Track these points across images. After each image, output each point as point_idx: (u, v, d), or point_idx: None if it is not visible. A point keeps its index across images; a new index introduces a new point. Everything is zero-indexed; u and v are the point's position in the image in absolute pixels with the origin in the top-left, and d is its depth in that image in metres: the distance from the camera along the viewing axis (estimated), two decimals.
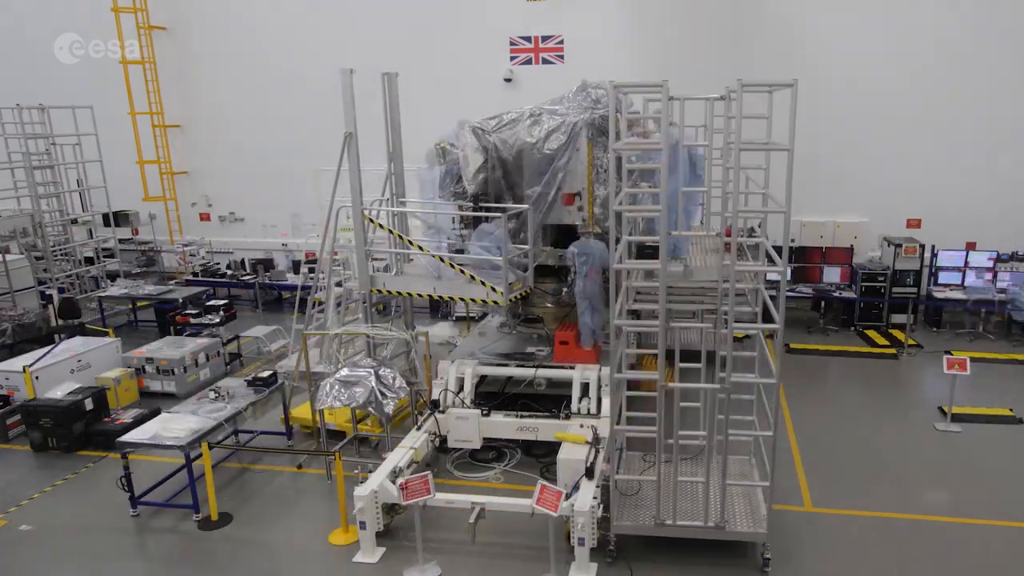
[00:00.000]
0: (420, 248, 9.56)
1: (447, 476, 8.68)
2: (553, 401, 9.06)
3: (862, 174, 14.60)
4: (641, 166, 7.85)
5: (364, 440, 9.32)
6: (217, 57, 17.50)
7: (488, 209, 9.36)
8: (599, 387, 8.74)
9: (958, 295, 13.76)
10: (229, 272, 16.92)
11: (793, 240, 14.97)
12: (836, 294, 14.31)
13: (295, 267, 16.21)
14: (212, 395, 8.79)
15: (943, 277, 14.05)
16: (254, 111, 17.25)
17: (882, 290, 13.92)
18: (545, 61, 15.88)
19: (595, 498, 6.89)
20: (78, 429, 9.52)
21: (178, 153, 18.25)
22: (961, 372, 9.50)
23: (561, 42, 15.77)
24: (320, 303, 11.55)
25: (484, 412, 8.78)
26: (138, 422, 8.88)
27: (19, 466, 9.39)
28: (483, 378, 9.53)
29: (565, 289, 9.93)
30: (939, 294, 13.84)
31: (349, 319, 11.38)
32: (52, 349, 10.97)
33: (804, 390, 11.05)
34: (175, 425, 8.02)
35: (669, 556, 6.98)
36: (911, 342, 12.99)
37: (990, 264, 13.81)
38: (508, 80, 15.93)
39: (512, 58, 15.97)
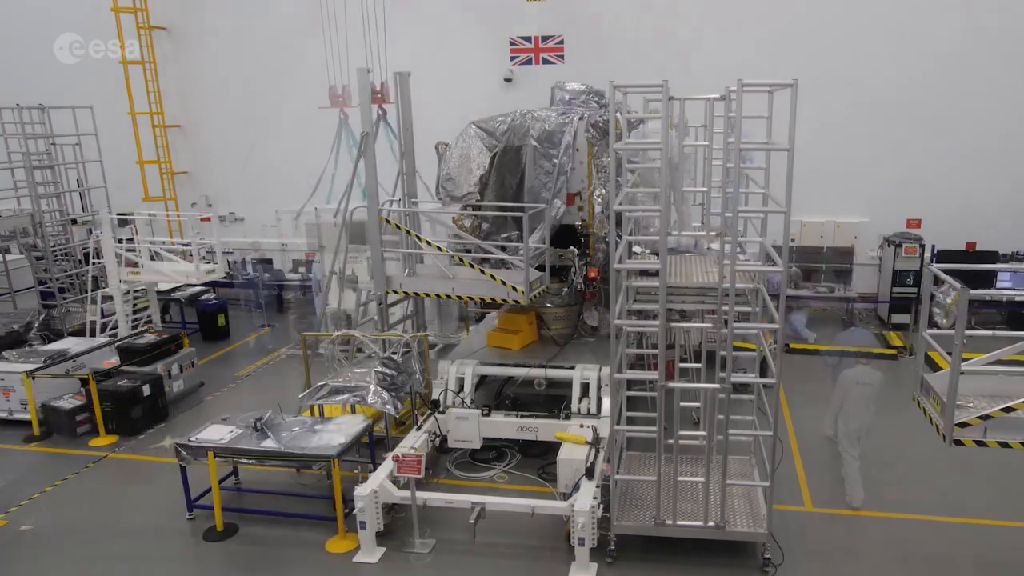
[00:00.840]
0: (439, 248, 9.30)
1: (447, 476, 8.69)
2: (553, 401, 9.07)
3: (862, 174, 14.61)
4: (641, 166, 7.88)
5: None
6: (217, 57, 17.50)
7: (489, 209, 9.36)
8: (599, 387, 8.74)
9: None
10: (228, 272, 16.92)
11: (793, 240, 14.99)
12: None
13: (294, 266, 16.24)
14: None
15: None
16: (254, 111, 17.25)
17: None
18: (545, 61, 15.88)
19: (595, 498, 6.90)
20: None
21: (178, 153, 18.24)
22: None
23: (561, 42, 15.77)
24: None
25: (484, 412, 8.79)
26: None
27: (20, 466, 9.40)
28: (483, 378, 9.54)
29: (565, 289, 9.93)
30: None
31: (362, 321, 11.31)
32: None
33: (803, 390, 11.05)
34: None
35: (669, 556, 6.98)
36: (901, 343, 12.97)
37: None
38: (508, 80, 15.93)
39: (512, 58, 15.97)
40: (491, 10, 15.77)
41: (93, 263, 13.69)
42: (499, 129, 9.53)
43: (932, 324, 5.89)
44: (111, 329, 12.61)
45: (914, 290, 13.85)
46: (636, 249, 7.61)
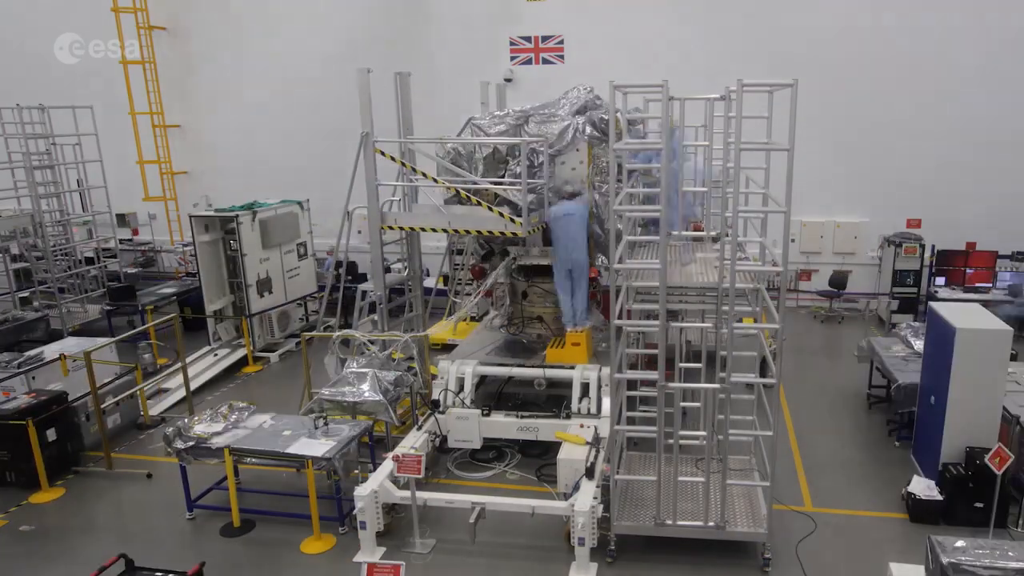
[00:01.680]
0: (435, 180, 9.34)
1: (448, 476, 8.69)
2: (554, 401, 9.07)
3: (862, 174, 14.62)
4: (641, 166, 7.88)
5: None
6: (217, 57, 17.51)
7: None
8: (599, 387, 8.74)
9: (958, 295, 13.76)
10: None
11: (793, 239, 15.01)
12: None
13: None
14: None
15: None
16: (254, 111, 17.26)
17: None
18: (545, 61, 15.89)
19: (595, 498, 6.90)
20: None
21: (178, 153, 18.25)
22: None
23: (561, 42, 15.78)
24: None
25: (484, 412, 8.80)
26: None
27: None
28: (483, 378, 9.54)
29: None
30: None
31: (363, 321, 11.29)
32: None
33: (802, 390, 11.06)
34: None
35: (669, 556, 6.98)
36: None
37: None
38: (508, 80, 15.92)
39: (512, 58, 15.98)
40: (491, 10, 15.77)
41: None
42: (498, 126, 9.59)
43: None
44: None
45: (914, 290, 13.87)
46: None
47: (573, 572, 6.77)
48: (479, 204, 8.96)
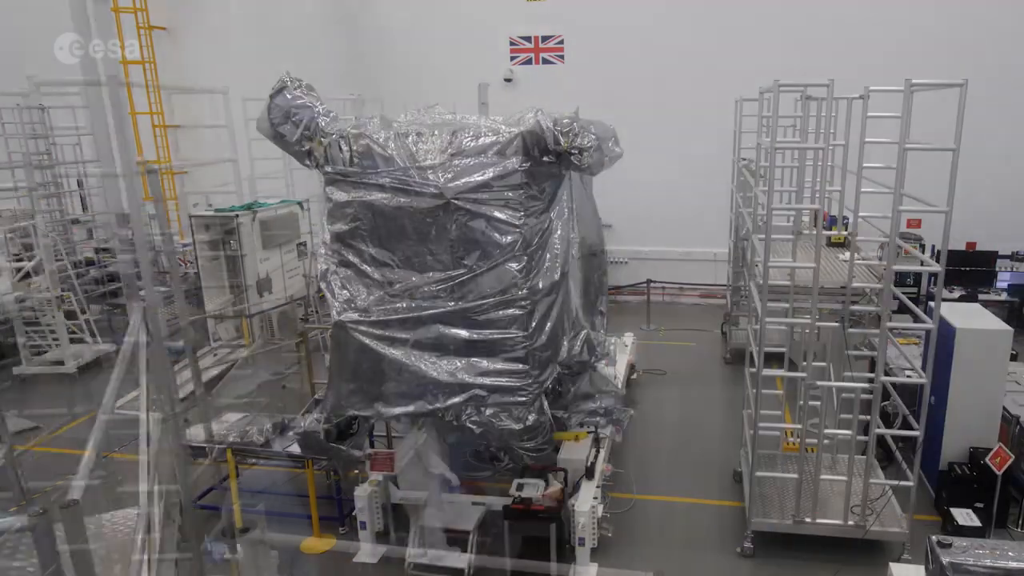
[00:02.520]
0: None
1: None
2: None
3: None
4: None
5: None
6: (217, 57, 17.49)
7: None
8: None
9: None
10: None
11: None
12: None
13: None
14: None
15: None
16: (254, 110, 17.23)
17: None
18: (545, 61, 15.89)
19: (595, 498, 6.90)
20: None
21: (178, 153, 18.23)
22: None
23: (561, 42, 15.78)
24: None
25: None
26: None
27: (21, 465, 9.38)
28: None
29: None
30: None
31: None
32: None
33: None
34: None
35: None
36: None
37: None
38: (508, 80, 15.93)
39: (512, 58, 15.98)
40: (491, 10, 15.77)
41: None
42: None
43: None
44: None
45: (914, 290, 13.84)
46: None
47: (573, 572, 6.77)
48: None
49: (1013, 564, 4.79)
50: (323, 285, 6.50)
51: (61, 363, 12.65)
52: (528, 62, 15.95)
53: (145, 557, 4.12)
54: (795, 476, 6.99)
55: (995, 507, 6.88)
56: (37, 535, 3.36)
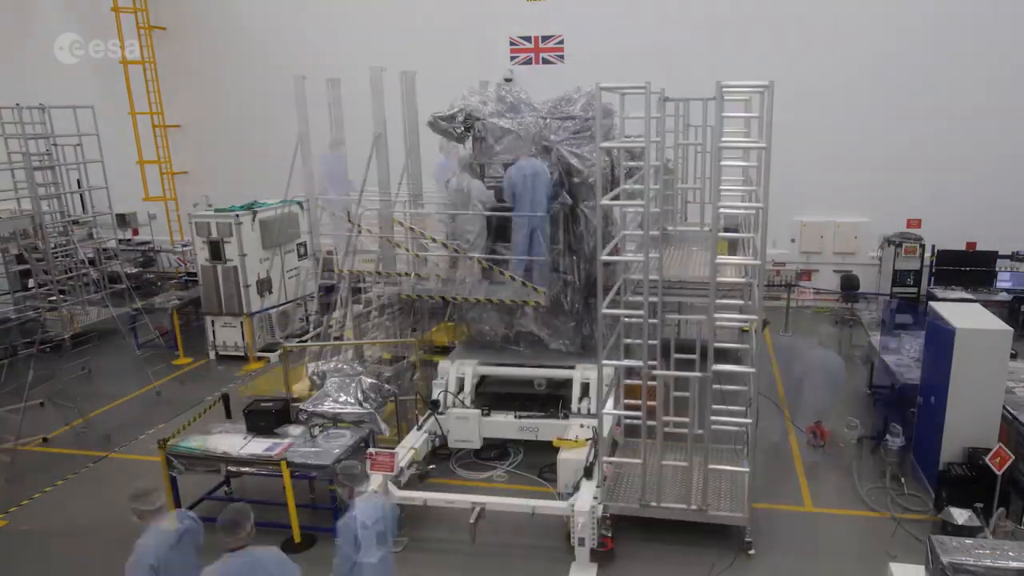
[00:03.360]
0: (456, 251, 9.08)
1: (449, 476, 8.69)
2: (553, 401, 9.06)
3: (862, 174, 14.61)
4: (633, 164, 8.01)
5: None
6: (217, 57, 17.52)
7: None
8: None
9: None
10: None
11: (793, 239, 15.02)
12: None
13: None
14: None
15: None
16: (254, 111, 17.26)
17: None
18: (545, 61, 15.90)
19: (595, 498, 6.91)
20: None
21: (178, 153, 18.26)
22: None
23: (561, 42, 15.78)
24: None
25: (484, 412, 8.79)
26: None
27: (20, 465, 9.40)
28: (483, 378, 9.53)
29: None
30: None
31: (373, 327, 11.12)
32: None
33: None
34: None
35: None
36: None
37: None
38: (508, 80, 15.92)
39: (512, 58, 15.98)
40: (491, 10, 15.78)
41: None
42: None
43: None
44: None
45: (914, 290, 13.86)
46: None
47: (573, 572, 6.77)
48: (501, 273, 8.83)
49: (1013, 564, 4.80)
50: None
51: None
52: (528, 62, 15.95)
53: None
54: (639, 462, 7.11)
55: (995, 507, 6.88)
56: None
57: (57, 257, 14.51)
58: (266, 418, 7.87)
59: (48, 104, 14.50)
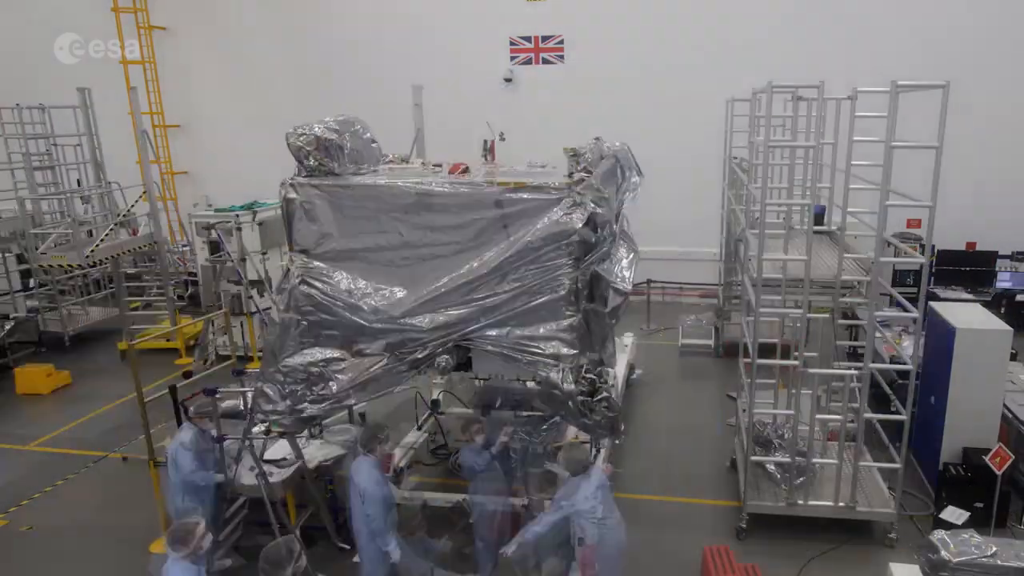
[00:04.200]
0: None
1: (449, 476, 8.67)
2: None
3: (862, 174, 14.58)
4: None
5: None
6: (217, 57, 17.52)
7: None
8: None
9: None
10: None
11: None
12: None
13: None
14: None
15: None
16: (254, 111, 17.27)
17: None
18: (545, 61, 15.89)
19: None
20: None
21: (178, 153, 18.26)
22: None
23: (561, 42, 15.78)
24: None
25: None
26: None
27: (20, 466, 9.41)
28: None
29: None
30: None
31: None
32: None
33: None
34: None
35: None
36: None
37: None
38: (508, 80, 15.94)
39: (512, 58, 15.98)
40: (491, 10, 15.78)
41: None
42: None
43: None
44: None
45: (914, 290, 13.81)
46: None
47: (573, 572, 6.76)
48: None
49: (1013, 564, 4.80)
50: None
51: None
52: (528, 62, 15.95)
53: None
54: (787, 460, 7.20)
55: (995, 507, 6.88)
56: None
57: None
58: None
59: (48, 104, 14.51)
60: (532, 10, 15.64)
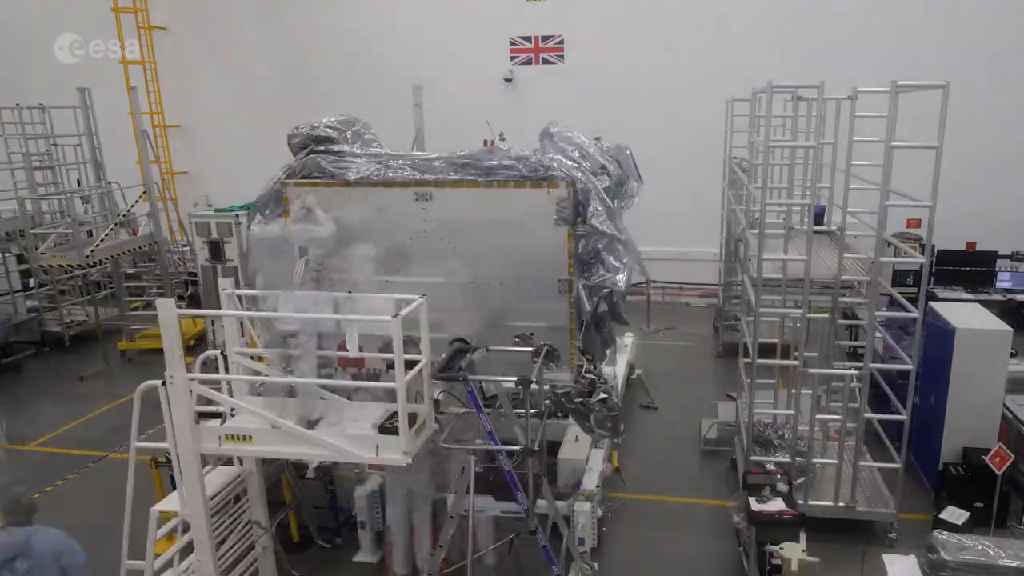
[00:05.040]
0: None
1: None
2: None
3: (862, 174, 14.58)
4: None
5: None
6: (217, 57, 17.52)
7: None
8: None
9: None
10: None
11: None
12: None
13: None
14: None
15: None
16: (254, 111, 17.28)
17: None
18: (545, 61, 15.89)
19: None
20: None
21: (178, 153, 18.25)
22: None
23: (561, 42, 15.78)
24: None
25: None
26: None
27: (21, 466, 9.41)
28: None
29: None
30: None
31: None
32: None
33: None
34: None
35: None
36: None
37: None
38: (508, 80, 15.94)
39: (512, 58, 15.98)
40: (491, 10, 15.78)
41: None
42: None
43: None
44: None
45: (914, 290, 13.80)
46: None
47: (573, 572, 6.77)
48: None
49: (1013, 564, 4.81)
50: None
51: None
52: (528, 62, 15.95)
53: None
54: (787, 460, 7.23)
55: (995, 507, 6.88)
56: None
57: None
58: None
59: (48, 104, 14.51)
60: (532, 10, 15.64)
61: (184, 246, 17.46)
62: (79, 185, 15.34)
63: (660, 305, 15.31)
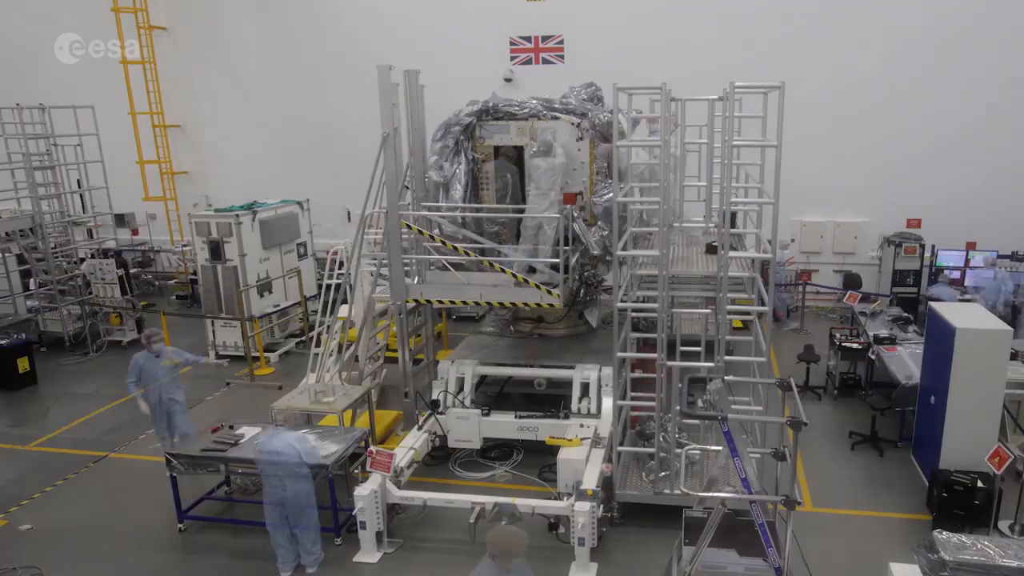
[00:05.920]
0: (467, 253, 8.81)
1: (449, 476, 8.69)
2: (553, 401, 9.06)
3: (862, 174, 14.61)
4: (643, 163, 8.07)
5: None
6: (217, 57, 17.52)
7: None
8: (599, 387, 8.74)
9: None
10: None
11: (793, 239, 14.99)
12: None
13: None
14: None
15: None
16: (254, 111, 17.28)
17: None
18: (545, 61, 15.89)
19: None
20: None
21: (178, 153, 18.26)
22: None
23: (561, 42, 15.78)
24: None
25: (484, 412, 8.79)
26: None
27: (21, 466, 9.41)
28: (483, 378, 9.54)
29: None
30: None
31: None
32: None
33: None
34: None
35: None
36: None
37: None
38: (508, 80, 15.93)
39: (512, 58, 15.98)
40: (491, 10, 15.77)
41: None
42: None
43: None
44: None
45: (914, 290, 13.86)
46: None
47: (573, 572, 6.78)
48: (513, 276, 8.64)
49: (1013, 564, 4.80)
50: None
51: None
52: (528, 62, 15.95)
53: None
54: (652, 450, 7.40)
55: (995, 507, 6.88)
56: None
57: (57, 257, 14.51)
58: None
59: (48, 104, 14.51)
60: (532, 10, 15.64)
61: (184, 246, 17.47)
62: (79, 185, 15.34)
63: None
